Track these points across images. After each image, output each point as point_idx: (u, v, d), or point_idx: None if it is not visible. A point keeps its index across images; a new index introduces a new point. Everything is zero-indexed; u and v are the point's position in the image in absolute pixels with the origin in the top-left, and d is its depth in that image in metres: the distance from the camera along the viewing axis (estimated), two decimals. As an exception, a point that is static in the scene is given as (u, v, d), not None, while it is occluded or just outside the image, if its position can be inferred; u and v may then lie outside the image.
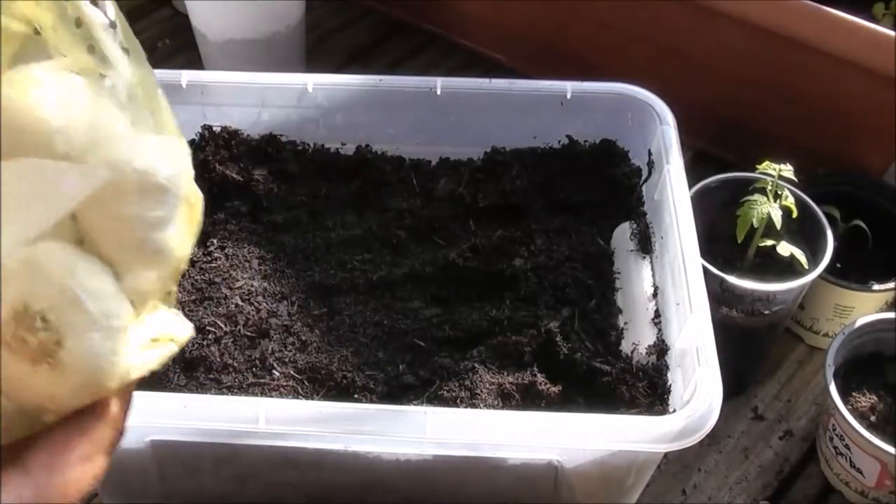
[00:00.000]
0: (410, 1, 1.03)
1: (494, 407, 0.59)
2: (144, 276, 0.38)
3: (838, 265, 0.75)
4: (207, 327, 0.64)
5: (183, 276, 0.65)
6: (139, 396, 0.44)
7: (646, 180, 0.71)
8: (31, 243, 0.36)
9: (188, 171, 0.39)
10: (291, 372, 0.62)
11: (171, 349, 0.40)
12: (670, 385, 0.60)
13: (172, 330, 0.40)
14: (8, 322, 0.36)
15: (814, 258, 0.69)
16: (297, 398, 0.60)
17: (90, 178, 0.35)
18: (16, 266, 0.36)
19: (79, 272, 0.37)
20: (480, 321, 0.65)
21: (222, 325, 0.64)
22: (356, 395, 0.61)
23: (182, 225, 0.40)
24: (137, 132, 0.37)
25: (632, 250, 0.69)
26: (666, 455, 0.64)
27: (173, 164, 0.38)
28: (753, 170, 0.69)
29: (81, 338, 0.36)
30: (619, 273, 0.69)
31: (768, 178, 0.67)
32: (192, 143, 0.74)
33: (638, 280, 0.67)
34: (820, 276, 0.69)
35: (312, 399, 0.60)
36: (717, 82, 0.85)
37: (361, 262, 0.70)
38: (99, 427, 0.36)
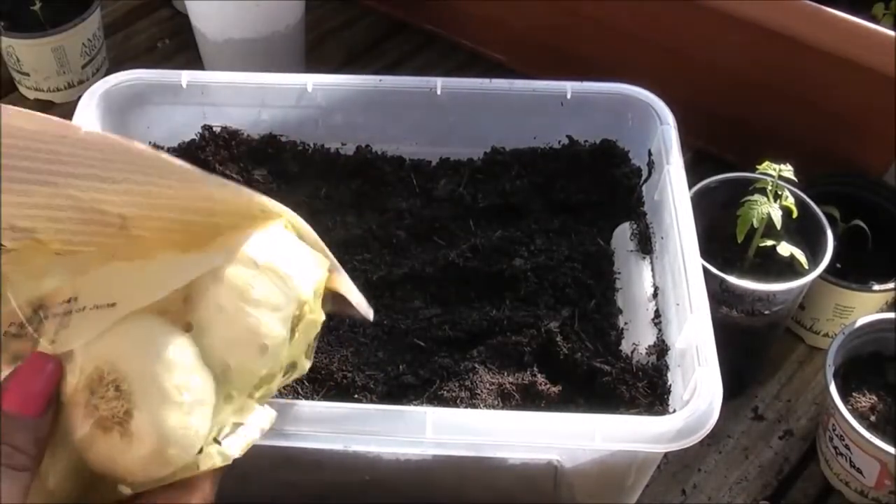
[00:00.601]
0: (410, 1, 1.03)
1: (494, 407, 0.59)
2: (246, 373, 0.38)
3: (838, 265, 0.75)
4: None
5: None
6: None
7: (646, 180, 0.71)
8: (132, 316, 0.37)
9: (313, 288, 0.43)
10: (291, 372, 0.62)
11: (254, 437, 0.40)
12: (670, 385, 0.60)
13: (258, 419, 0.41)
14: (83, 389, 0.36)
15: (814, 258, 0.69)
16: (297, 398, 0.60)
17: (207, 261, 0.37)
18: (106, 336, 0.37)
19: (158, 343, 0.37)
20: (480, 321, 0.65)
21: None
22: (356, 395, 0.61)
23: (300, 338, 0.41)
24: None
25: (632, 250, 0.69)
26: (666, 455, 0.63)
27: (300, 269, 0.43)
28: (753, 170, 0.69)
29: (151, 408, 0.36)
30: (619, 273, 0.69)
31: (768, 179, 0.67)
32: (191, 143, 0.74)
33: (638, 280, 0.67)
34: (820, 277, 0.69)
35: (312, 399, 0.60)
36: (718, 82, 0.85)
37: (361, 262, 0.70)
38: (185, 496, 0.36)
